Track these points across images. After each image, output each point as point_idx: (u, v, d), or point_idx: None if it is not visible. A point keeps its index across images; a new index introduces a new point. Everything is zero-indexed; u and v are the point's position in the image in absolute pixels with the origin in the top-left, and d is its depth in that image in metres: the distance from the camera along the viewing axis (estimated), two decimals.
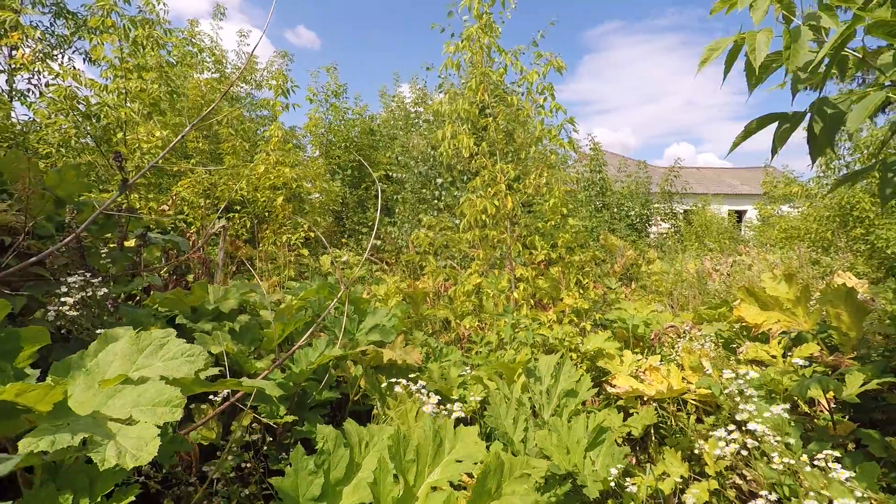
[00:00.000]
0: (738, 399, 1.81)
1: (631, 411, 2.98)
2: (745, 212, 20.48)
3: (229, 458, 1.97)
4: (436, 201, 8.21)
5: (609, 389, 2.90)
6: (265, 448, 2.19)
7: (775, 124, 1.19)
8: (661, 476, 2.37)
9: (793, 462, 1.44)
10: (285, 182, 6.61)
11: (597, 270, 7.30)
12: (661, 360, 3.24)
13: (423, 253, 5.31)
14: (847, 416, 2.45)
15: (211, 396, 2.09)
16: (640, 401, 3.02)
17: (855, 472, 1.46)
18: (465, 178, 7.58)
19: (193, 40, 10.24)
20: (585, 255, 4.62)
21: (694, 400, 2.73)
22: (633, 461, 2.82)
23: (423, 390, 2.05)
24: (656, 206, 12.20)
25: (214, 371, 1.58)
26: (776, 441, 1.55)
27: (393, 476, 1.34)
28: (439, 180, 8.38)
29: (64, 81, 5.16)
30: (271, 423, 2.22)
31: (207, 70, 11.36)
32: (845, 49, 1.09)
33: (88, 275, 1.97)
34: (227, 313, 2.53)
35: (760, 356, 2.73)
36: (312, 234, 6.51)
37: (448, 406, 1.97)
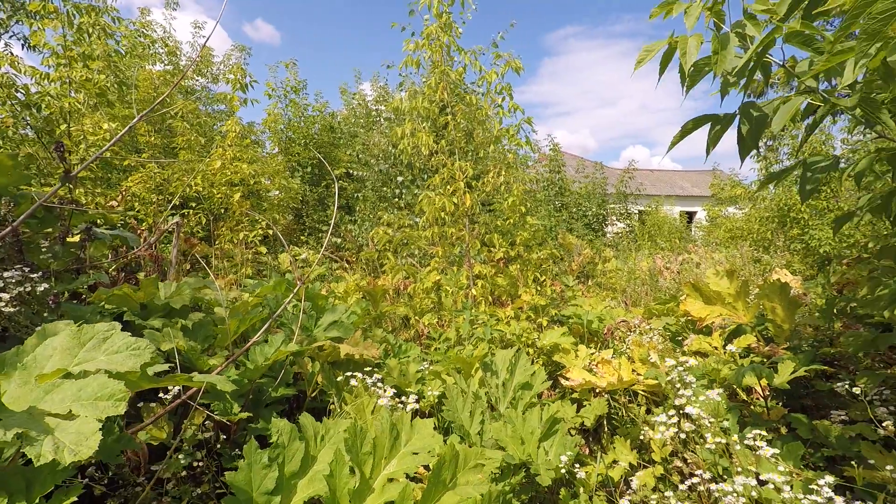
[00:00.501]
0: (678, 386, 1.90)
1: (584, 403, 3.07)
2: (695, 213, 21.36)
3: (180, 457, 1.93)
4: (396, 199, 8.20)
5: (563, 382, 2.98)
6: (218, 446, 2.15)
7: (709, 125, 1.27)
8: (612, 464, 2.46)
9: (724, 441, 1.54)
10: (243, 178, 6.46)
11: (555, 269, 7.47)
12: (614, 354, 3.36)
13: (383, 250, 5.30)
14: (780, 403, 2.61)
15: (161, 395, 2.04)
16: (593, 393, 3.12)
17: (781, 451, 1.57)
18: (426, 176, 7.60)
19: (145, 30, 9.85)
20: (543, 252, 4.72)
21: (643, 391, 2.85)
22: (587, 451, 2.92)
23: (379, 384, 2.06)
24: (612, 206, 12.58)
25: (164, 367, 1.55)
26: (710, 422, 1.65)
27: (349, 469, 1.35)
28: (400, 178, 8.37)
29: (0, 68, 4.87)
30: (225, 421, 2.18)
31: (160, 62, 10.95)
32: (768, 56, 1.18)
33: (27, 269, 1.88)
34: (180, 310, 2.46)
35: (704, 348, 2.87)
36: (271, 232, 6.38)
37: (404, 399, 1.99)
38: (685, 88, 1.22)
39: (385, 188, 8.57)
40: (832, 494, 1.14)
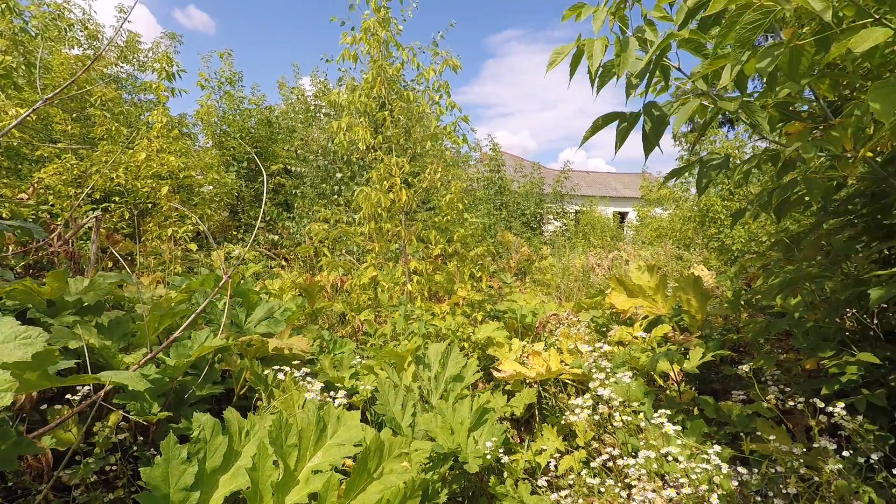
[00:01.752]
0: (593, 371, 2.01)
1: (517, 394, 3.17)
2: (627, 213, 22.42)
3: (90, 461, 1.82)
4: (336, 196, 8.07)
5: (495, 374, 3.06)
6: (135, 449, 2.05)
7: (616, 122, 1.36)
8: (540, 451, 2.56)
9: (631, 420, 1.65)
10: (171, 171, 6.14)
11: (494, 266, 7.63)
12: (545, 347, 3.49)
13: (319, 246, 5.21)
14: (693, 387, 2.81)
15: (69, 396, 1.92)
16: (526, 384, 3.22)
17: (686, 428, 1.70)
18: (365, 173, 7.54)
19: (62, 12, 9.14)
20: (480, 249, 4.81)
21: (570, 379, 2.97)
22: (518, 439, 3.01)
23: (308, 378, 2.03)
24: (549, 205, 12.99)
25: (68, 364, 1.47)
26: (620, 402, 1.75)
27: (274, 462, 1.33)
28: (339, 175, 8.25)
29: None
30: (142, 422, 2.08)
31: (79, 45, 10.19)
32: (666, 59, 1.28)
33: None
34: (93, 307, 2.32)
35: (625, 337, 3.04)
36: (201, 228, 6.11)
37: (333, 393, 1.98)
38: (595, 89, 1.30)
39: (324, 185, 8.42)
40: (719, 462, 1.26)
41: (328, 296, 4.95)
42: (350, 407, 2.90)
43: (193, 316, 1.96)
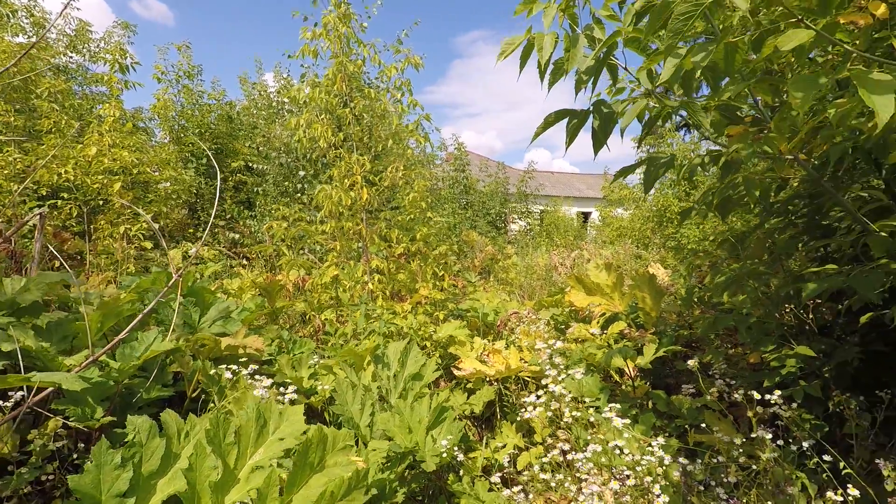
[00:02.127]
0: (548, 368, 2.04)
1: (477, 392, 3.18)
2: (590, 213, 22.89)
3: (24, 471, 1.73)
4: (299, 195, 7.93)
5: (456, 373, 3.06)
6: (75, 457, 1.95)
7: (567, 119, 1.38)
8: (500, 447, 2.58)
9: (580, 415, 1.68)
10: (124, 167, 5.89)
11: (458, 265, 7.64)
12: (507, 345, 3.51)
13: (279, 243, 5.11)
14: (648, 382, 2.88)
15: (1, 402, 1.81)
16: (486, 381, 3.23)
17: (637, 422, 1.74)
18: (328, 171, 7.45)
19: None
20: (442, 248, 4.81)
21: (530, 377, 3.00)
22: (479, 436, 3.02)
23: (258, 375, 1.98)
24: (514, 205, 13.13)
25: None
26: (570, 398, 1.78)
27: (213, 462, 1.29)
28: (301, 173, 8.11)
29: None
30: (84, 428, 1.99)
31: (23, 33, 9.67)
32: (613, 58, 1.31)
33: None
34: (30, 307, 2.20)
35: (583, 334, 3.10)
36: (154, 227, 5.88)
37: (283, 389, 1.94)
38: (546, 85, 1.32)
39: (287, 182, 8.25)
40: (662, 454, 1.29)
41: (289, 295, 4.86)
42: (309, 408, 2.85)
43: (141, 317, 1.89)
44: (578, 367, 2.64)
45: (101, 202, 6.09)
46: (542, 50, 1.22)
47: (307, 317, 4.36)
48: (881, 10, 1.07)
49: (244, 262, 7.43)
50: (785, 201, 2.05)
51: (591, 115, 1.33)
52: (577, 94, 1.35)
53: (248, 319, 3.25)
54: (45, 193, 5.93)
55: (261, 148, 9.14)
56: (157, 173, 6.95)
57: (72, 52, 11.33)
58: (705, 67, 1.23)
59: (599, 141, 1.32)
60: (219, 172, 2.58)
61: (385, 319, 3.64)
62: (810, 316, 2.02)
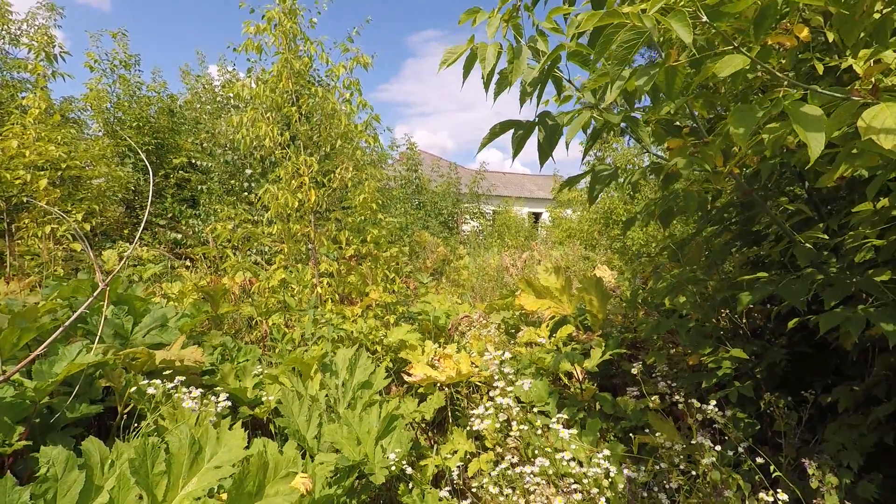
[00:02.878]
0: (496, 377, 2.04)
1: (428, 397, 3.16)
2: (541, 214, 23.36)
3: None
4: (245, 194, 7.64)
5: (406, 378, 3.03)
6: None
7: (513, 130, 1.37)
8: (451, 454, 2.56)
9: (526, 428, 1.68)
10: (51, 161, 5.46)
11: (410, 266, 7.59)
12: (458, 349, 3.50)
13: (223, 245, 4.90)
14: (595, 384, 2.95)
15: None
16: (438, 387, 3.21)
17: (584, 429, 1.77)
18: (276, 169, 7.22)
19: None
20: (393, 249, 4.75)
21: (481, 382, 3.00)
22: (430, 442, 3.00)
23: (192, 388, 1.87)
24: (466, 206, 13.20)
25: None
26: (517, 410, 1.79)
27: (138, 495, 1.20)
28: (248, 171, 7.82)
29: None
30: None
31: None
32: (557, 70, 1.32)
33: None
34: None
35: (533, 338, 3.13)
36: (89, 227, 5.52)
37: (215, 398, 1.84)
38: (491, 95, 1.31)
39: (233, 181, 7.94)
40: (608, 465, 1.32)
41: (235, 299, 4.67)
42: (254, 419, 2.74)
43: (61, 329, 1.74)
44: (528, 373, 2.66)
45: (24, 199, 5.64)
46: (484, 61, 1.21)
47: (254, 321, 4.20)
48: (804, 33, 1.12)
49: (187, 263, 7.08)
50: (720, 209, 2.15)
51: (537, 127, 1.33)
52: (521, 106, 1.34)
53: (188, 327, 3.08)
54: None
55: (205, 144, 8.74)
56: (89, 168, 6.50)
57: None
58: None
59: (545, 153, 1.32)
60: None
61: (334, 324, 3.56)
62: (744, 320, 2.12)
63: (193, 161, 9.25)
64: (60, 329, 1.77)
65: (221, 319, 4.05)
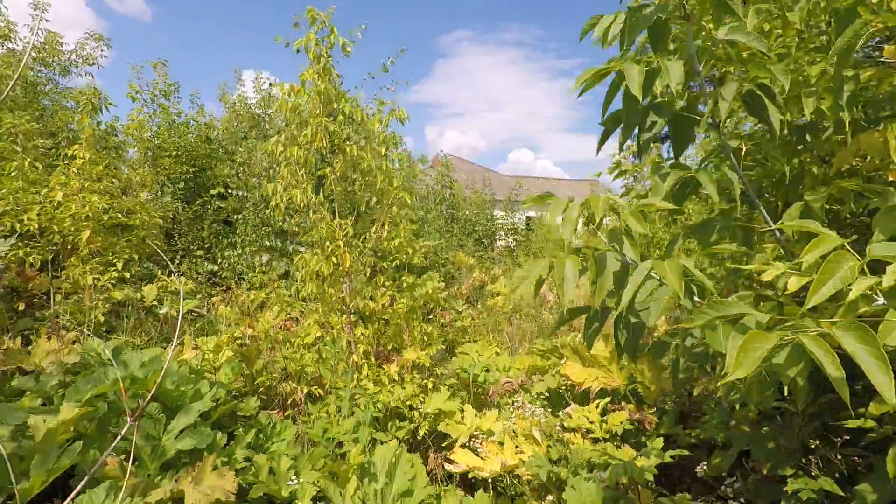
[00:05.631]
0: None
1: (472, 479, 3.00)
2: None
3: None
4: (281, 223, 7.63)
5: (448, 467, 2.88)
6: None
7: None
8: None
9: None
10: (93, 212, 5.51)
11: (445, 293, 7.42)
12: (498, 419, 3.32)
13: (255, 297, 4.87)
14: (652, 486, 2.69)
15: None
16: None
17: None
18: (308, 219, 7.20)
19: None
20: (429, 284, 4.58)
21: (527, 476, 2.80)
22: None
23: None
24: (500, 221, 12.87)
25: None
26: None
27: None
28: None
29: None
30: None
31: None
32: None
33: None
34: None
35: (582, 422, 2.92)
36: (128, 275, 5.59)
37: None
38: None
39: (268, 211, 7.94)
40: None
41: (269, 352, 4.61)
42: None
43: (84, 481, 1.65)
44: (582, 475, 2.46)
45: (68, 247, 5.73)
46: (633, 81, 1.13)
47: (287, 370, 4.12)
48: None
49: (224, 293, 7.11)
50: None
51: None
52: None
53: (219, 413, 3.03)
54: (6, 235, 5.57)
55: (240, 175, 8.80)
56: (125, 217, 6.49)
57: (42, 66, 10.86)
58: None
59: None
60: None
61: (370, 394, 3.44)
62: (838, 456, 1.87)
63: (229, 187, 9.30)
64: (86, 478, 1.68)
65: (256, 378, 3.99)
